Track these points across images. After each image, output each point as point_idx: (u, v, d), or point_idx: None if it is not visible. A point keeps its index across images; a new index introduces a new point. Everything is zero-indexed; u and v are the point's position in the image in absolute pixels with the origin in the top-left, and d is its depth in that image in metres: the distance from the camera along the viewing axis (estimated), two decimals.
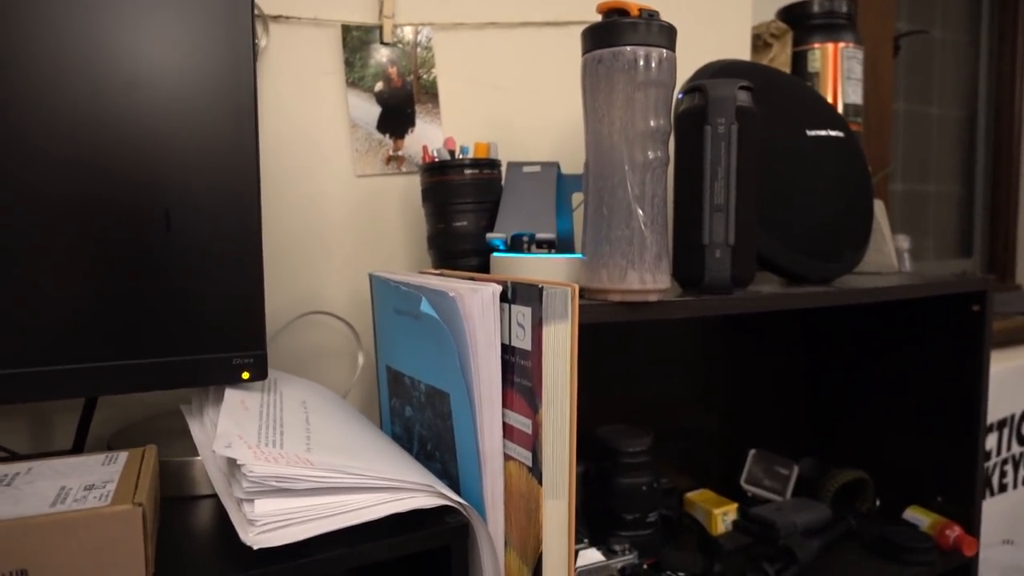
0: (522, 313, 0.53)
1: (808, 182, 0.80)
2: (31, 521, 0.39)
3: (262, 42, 0.78)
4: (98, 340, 0.55)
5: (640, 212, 0.60)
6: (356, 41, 0.82)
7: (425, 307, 0.58)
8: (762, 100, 0.78)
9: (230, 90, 0.58)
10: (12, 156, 0.52)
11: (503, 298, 0.55)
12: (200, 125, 0.58)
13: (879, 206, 1.05)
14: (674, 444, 1.04)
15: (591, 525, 0.84)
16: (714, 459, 1.07)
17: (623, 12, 0.60)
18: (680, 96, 0.72)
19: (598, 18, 0.62)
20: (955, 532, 0.90)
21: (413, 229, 0.88)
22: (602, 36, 0.59)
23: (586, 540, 0.77)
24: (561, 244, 0.77)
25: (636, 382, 1.00)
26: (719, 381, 1.07)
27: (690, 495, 1.00)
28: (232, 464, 0.50)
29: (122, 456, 0.50)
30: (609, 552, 0.74)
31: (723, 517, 0.94)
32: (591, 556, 0.72)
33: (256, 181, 0.60)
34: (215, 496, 0.59)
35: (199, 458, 0.58)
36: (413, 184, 0.87)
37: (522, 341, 0.54)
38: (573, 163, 0.96)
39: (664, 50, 0.60)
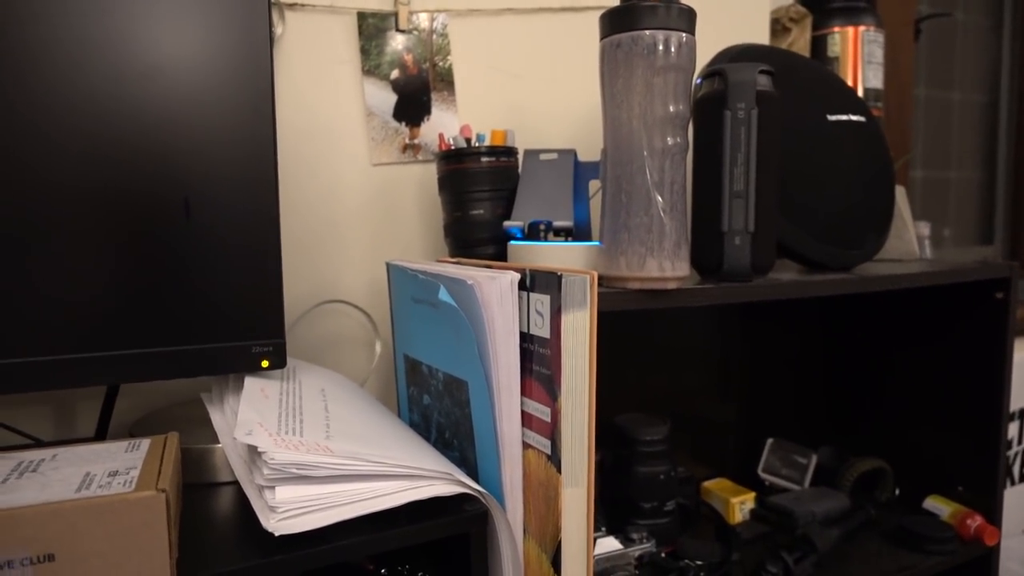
0: (540, 301, 0.53)
1: (829, 168, 0.79)
2: (58, 506, 0.39)
3: (278, 30, 0.77)
4: (120, 328, 0.56)
5: (659, 199, 0.59)
6: (372, 29, 0.82)
7: (444, 295, 0.58)
8: (782, 84, 0.77)
9: (247, 78, 0.58)
10: (31, 146, 0.52)
11: (521, 286, 0.55)
12: (218, 113, 0.58)
13: (900, 192, 1.04)
14: (691, 433, 1.03)
15: (608, 513, 0.84)
16: (731, 448, 1.07)
17: None
18: (699, 81, 0.71)
19: (616, 3, 0.61)
20: (976, 521, 0.89)
21: (429, 218, 0.88)
22: (621, 20, 0.59)
23: (603, 528, 0.77)
24: (578, 232, 0.77)
25: (653, 370, 0.99)
26: (736, 369, 1.06)
27: (707, 484, 0.99)
28: (253, 451, 0.51)
29: (144, 443, 0.50)
30: (627, 540, 0.74)
31: (741, 506, 0.94)
32: (609, 544, 0.72)
33: (274, 169, 0.60)
34: (235, 483, 0.59)
35: (219, 445, 0.59)
36: (429, 172, 0.87)
37: (541, 329, 0.53)
38: (590, 150, 0.95)
39: (684, 34, 0.59)
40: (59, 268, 0.54)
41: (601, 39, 0.61)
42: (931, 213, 1.89)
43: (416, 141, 0.85)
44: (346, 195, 0.83)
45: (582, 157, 0.92)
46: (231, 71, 0.58)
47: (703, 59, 1.00)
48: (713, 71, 0.68)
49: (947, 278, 0.82)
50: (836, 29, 1.15)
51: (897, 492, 1.02)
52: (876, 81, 1.18)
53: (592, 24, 0.94)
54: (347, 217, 0.83)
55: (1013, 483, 1.58)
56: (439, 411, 0.65)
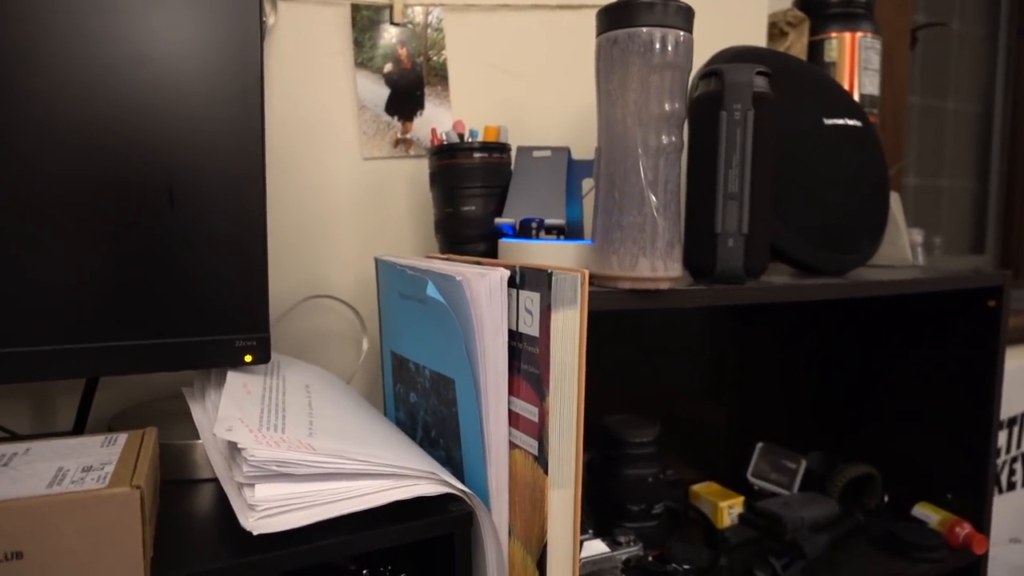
0: (530, 299, 0.52)
1: (824, 171, 0.78)
2: (27, 502, 0.38)
3: (270, 20, 0.76)
4: (100, 320, 0.54)
5: (653, 198, 0.58)
6: (365, 21, 0.80)
7: (431, 291, 0.57)
8: (779, 87, 0.77)
9: (237, 68, 0.57)
10: (15, 133, 0.51)
11: (511, 283, 0.54)
12: (206, 103, 0.56)
13: (895, 198, 1.03)
14: (680, 435, 1.03)
15: (595, 515, 0.83)
16: (720, 451, 1.06)
17: None
18: (695, 81, 0.70)
19: (611, 1, 0.60)
20: (965, 530, 0.89)
21: (420, 213, 0.86)
22: (618, 16, 0.58)
23: (590, 531, 0.76)
24: (570, 231, 0.76)
25: (642, 371, 0.98)
26: (726, 372, 1.06)
27: (696, 487, 0.99)
28: (233, 448, 0.49)
29: (121, 438, 0.49)
30: (614, 543, 0.73)
31: (729, 510, 0.93)
32: (596, 547, 0.71)
33: (261, 160, 0.58)
34: (216, 480, 0.58)
35: (200, 441, 0.57)
36: (420, 168, 0.86)
37: (530, 327, 0.52)
38: (584, 148, 0.94)
39: (681, 32, 0.58)
40: (39, 257, 0.52)
41: (598, 35, 0.60)
42: (922, 221, 1.89)
43: (408, 136, 0.84)
44: (336, 189, 0.82)
45: (576, 155, 0.91)
46: (220, 60, 0.57)
47: (699, 61, 0.99)
48: (710, 71, 0.67)
49: (940, 285, 0.81)
50: (833, 34, 1.15)
51: (886, 499, 1.02)
52: (872, 88, 1.17)
53: (588, 22, 0.93)
54: (336, 211, 0.82)
55: (1002, 491, 1.58)
56: (425, 409, 0.64)
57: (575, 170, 0.78)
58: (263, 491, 0.46)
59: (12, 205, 0.51)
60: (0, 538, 0.37)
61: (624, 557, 0.72)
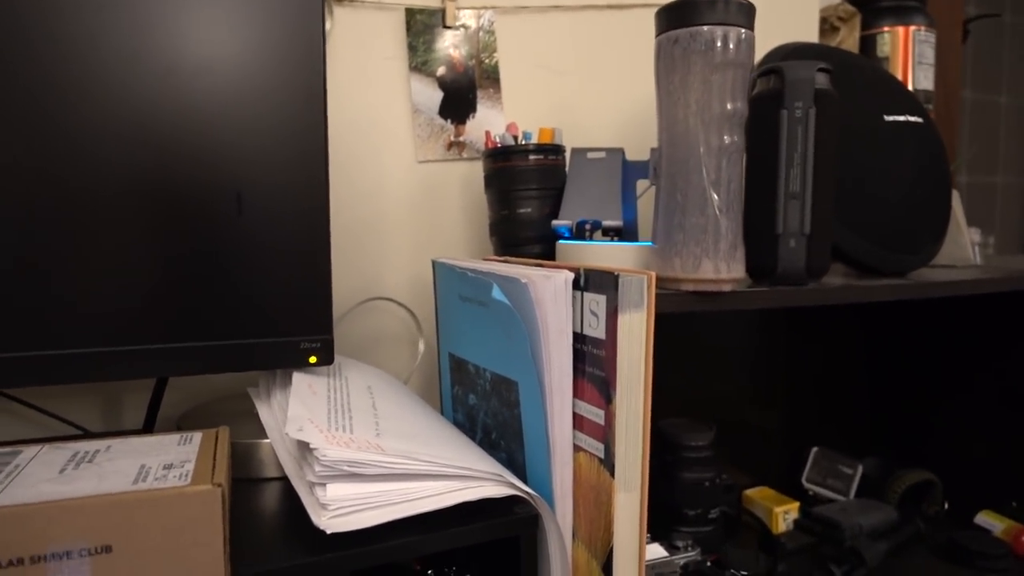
0: (596, 301, 0.52)
1: (885, 169, 0.77)
2: (115, 498, 0.39)
3: (327, 25, 0.77)
4: (172, 322, 0.56)
5: (716, 199, 0.58)
6: (420, 25, 0.81)
7: (497, 294, 0.57)
8: (838, 83, 0.75)
9: (300, 75, 0.58)
10: (87, 143, 0.53)
11: (575, 285, 0.54)
12: (271, 110, 0.57)
13: (955, 197, 1.01)
14: (732, 439, 1.01)
15: (651, 519, 0.82)
16: (773, 456, 1.05)
17: None
18: (753, 79, 0.69)
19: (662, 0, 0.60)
20: None
21: (473, 215, 0.87)
22: (679, 15, 0.57)
23: (648, 535, 0.75)
24: (625, 232, 0.75)
25: (694, 374, 0.97)
26: (779, 375, 1.04)
27: (749, 492, 0.97)
28: (303, 448, 0.50)
29: (196, 437, 0.50)
30: (671, 547, 0.72)
31: (784, 515, 0.92)
32: (654, 551, 0.70)
33: (325, 165, 0.59)
34: (282, 479, 0.59)
35: (266, 440, 0.58)
36: (473, 170, 0.86)
37: (595, 330, 0.52)
38: (636, 149, 0.94)
39: (743, 29, 0.57)
40: (112, 260, 0.54)
41: (657, 35, 0.60)
42: (974, 218, 1.84)
43: (461, 138, 0.84)
44: (391, 191, 0.82)
45: (629, 156, 0.91)
46: (284, 68, 0.58)
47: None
48: (770, 68, 0.66)
49: (1009, 285, 0.79)
50: (886, 29, 1.13)
51: (946, 506, 0.99)
52: (927, 83, 1.15)
53: (637, 21, 0.93)
54: (391, 214, 0.83)
55: None
56: (486, 411, 0.64)
57: (629, 171, 0.78)
58: (335, 491, 0.46)
59: (88, 211, 0.53)
60: (91, 532, 0.38)
61: (682, 562, 0.72)
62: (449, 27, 0.82)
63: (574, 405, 0.55)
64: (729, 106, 0.58)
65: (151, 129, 0.54)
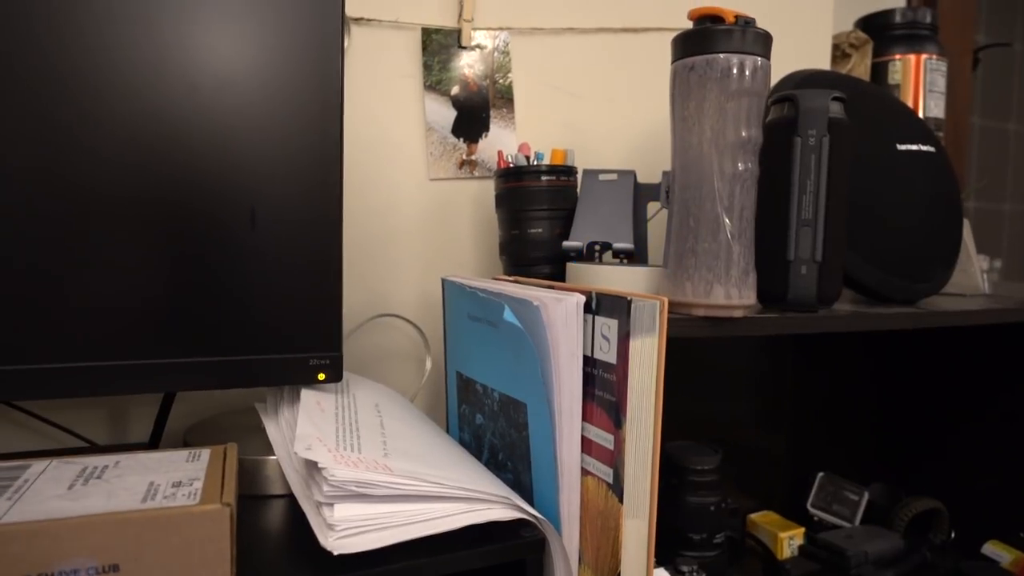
0: (607, 325, 0.52)
1: (897, 198, 0.77)
2: (124, 516, 0.39)
3: (345, 43, 0.78)
4: (180, 336, 0.56)
5: (728, 224, 0.58)
6: (436, 45, 0.82)
7: (508, 315, 0.57)
8: (851, 112, 0.76)
9: (318, 90, 0.59)
10: (106, 155, 0.53)
11: (587, 309, 0.54)
12: (289, 124, 0.58)
13: (965, 225, 1.01)
14: (737, 463, 1.01)
15: (657, 544, 0.82)
16: (779, 480, 1.04)
17: (716, 19, 0.58)
18: (767, 105, 0.69)
19: (675, 24, 0.60)
20: None
21: (483, 234, 0.87)
22: (696, 42, 0.58)
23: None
24: (635, 254, 0.75)
25: (699, 397, 0.97)
26: (786, 399, 1.04)
27: (754, 517, 0.96)
28: (311, 466, 0.50)
29: (204, 453, 0.50)
30: (676, 572, 0.72)
31: (789, 541, 0.91)
32: None
33: (339, 182, 0.60)
34: (288, 496, 0.59)
35: (272, 457, 0.58)
36: (484, 189, 0.86)
37: (606, 354, 0.52)
38: (647, 171, 0.94)
39: (759, 58, 0.58)
40: (122, 274, 0.54)
41: (673, 61, 0.60)
42: (982, 246, 1.84)
43: (473, 157, 0.85)
44: (402, 208, 0.83)
45: (641, 179, 0.91)
46: (303, 84, 0.58)
47: None
48: (784, 96, 0.67)
49: (1018, 316, 0.78)
50: (898, 56, 1.13)
51: (953, 535, 0.98)
52: (938, 111, 1.15)
53: (651, 45, 0.93)
54: (402, 231, 0.83)
55: None
56: (493, 431, 0.64)
57: (640, 193, 0.78)
58: (342, 511, 0.46)
59: (101, 225, 0.53)
60: (99, 550, 0.38)
61: None
62: (464, 47, 0.83)
63: (583, 429, 0.55)
64: (744, 133, 0.58)
65: (171, 142, 0.54)
